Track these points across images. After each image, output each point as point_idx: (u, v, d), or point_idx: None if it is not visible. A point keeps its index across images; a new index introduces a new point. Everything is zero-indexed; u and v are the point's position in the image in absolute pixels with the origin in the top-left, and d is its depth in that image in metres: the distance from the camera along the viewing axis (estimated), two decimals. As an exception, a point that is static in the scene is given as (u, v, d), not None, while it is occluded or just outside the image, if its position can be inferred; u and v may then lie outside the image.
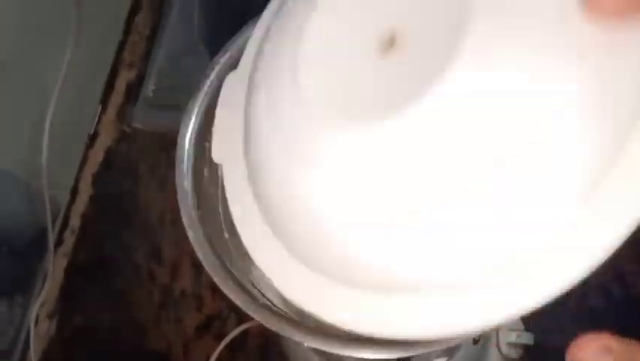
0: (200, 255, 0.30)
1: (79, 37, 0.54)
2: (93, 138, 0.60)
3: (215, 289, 0.55)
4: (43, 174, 0.53)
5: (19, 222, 0.54)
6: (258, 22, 0.26)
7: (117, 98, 0.62)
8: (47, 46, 0.53)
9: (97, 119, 0.61)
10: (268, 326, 0.27)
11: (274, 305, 0.30)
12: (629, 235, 0.14)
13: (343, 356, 0.38)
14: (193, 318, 0.54)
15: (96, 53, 0.60)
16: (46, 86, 0.53)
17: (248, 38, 0.26)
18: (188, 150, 0.32)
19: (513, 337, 0.41)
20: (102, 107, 0.61)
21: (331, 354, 0.39)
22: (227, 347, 0.52)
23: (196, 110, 0.32)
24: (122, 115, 0.61)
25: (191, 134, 0.32)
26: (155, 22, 0.64)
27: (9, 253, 0.52)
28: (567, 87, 0.15)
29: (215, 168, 0.32)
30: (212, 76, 0.32)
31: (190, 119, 0.32)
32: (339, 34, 0.19)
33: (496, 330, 0.41)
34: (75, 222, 0.58)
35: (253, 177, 0.23)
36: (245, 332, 0.52)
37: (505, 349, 0.41)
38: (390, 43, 0.18)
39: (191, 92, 0.64)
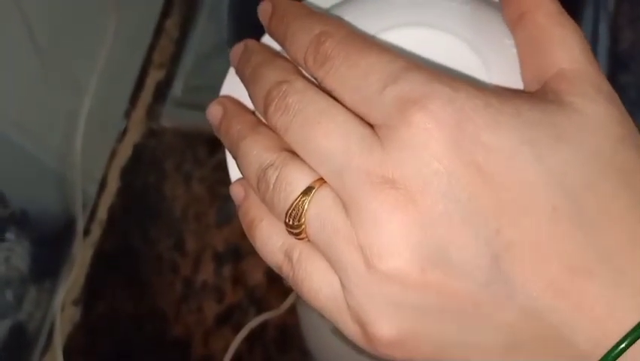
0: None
1: (116, 36, 0.56)
2: (122, 133, 0.63)
3: (235, 281, 0.57)
4: (76, 166, 0.55)
5: (50, 211, 0.57)
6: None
7: (146, 96, 0.64)
8: (85, 42, 0.56)
9: (127, 116, 0.63)
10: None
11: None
12: None
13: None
14: (213, 309, 0.56)
15: (130, 53, 0.63)
16: (82, 82, 0.56)
17: None
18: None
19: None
20: (132, 105, 0.64)
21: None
22: (246, 338, 0.54)
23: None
24: (150, 113, 0.63)
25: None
26: (185, 25, 0.67)
27: (40, 239, 0.55)
28: None
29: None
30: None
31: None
32: None
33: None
34: (102, 213, 0.60)
35: None
36: (264, 324, 0.54)
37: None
38: None
39: (217, 92, 0.67)
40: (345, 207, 0.17)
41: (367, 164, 0.17)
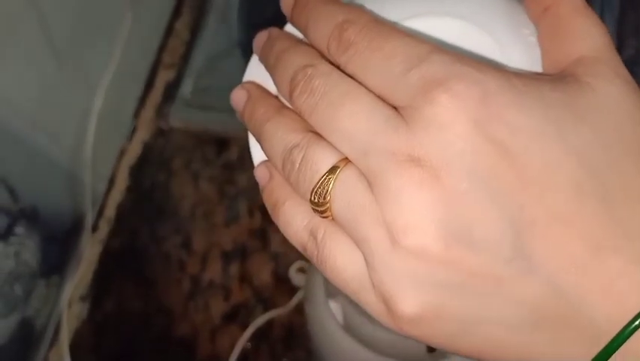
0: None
1: (130, 36, 0.57)
2: (132, 132, 0.63)
3: (242, 279, 0.57)
4: (86, 163, 0.56)
5: (60, 208, 0.57)
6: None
7: (156, 96, 0.65)
8: (99, 42, 0.56)
9: (136, 115, 0.64)
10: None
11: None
12: None
13: (374, 335, 0.40)
14: (220, 307, 0.56)
15: (141, 53, 0.64)
16: (95, 81, 0.56)
17: None
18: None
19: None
20: (141, 105, 0.64)
21: (362, 335, 0.41)
22: (252, 336, 0.54)
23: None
24: (159, 113, 0.64)
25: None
26: (195, 27, 0.67)
27: (49, 235, 0.55)
28: None
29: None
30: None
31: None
32: None
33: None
34: (111, 211, 0.61)
35: None
36: (270, 323, 0.55)
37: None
38: None
39: (226, 93, 0.67)
40: (370, 185, 0.18)
41: (393, 143, 0.17)
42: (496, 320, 0.17)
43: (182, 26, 0.67)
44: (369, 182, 0.18)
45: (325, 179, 0.19)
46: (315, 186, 0.19)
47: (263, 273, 0.57)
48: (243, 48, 0.65)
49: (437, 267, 0.17)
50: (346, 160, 0.19)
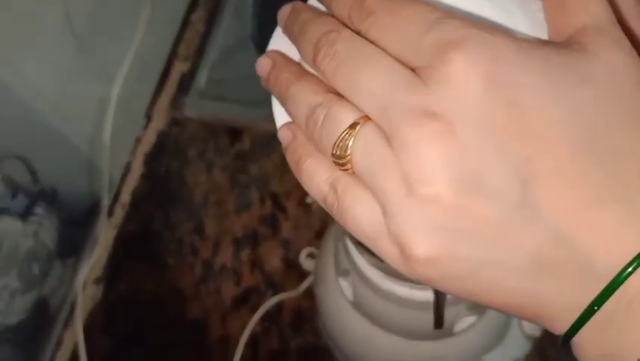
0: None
1: (148, 27, 0.59)
2: (147, 121, 0.65)
3: (253, 265, 0.59)
4: (104, 150, 0.58)
5: (78, 191, 0.59)
6: None
7: (171, 87, 0.66)
8: (119, 32, 0.58)
9: (152, 105, 0.65)
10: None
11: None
12: None
13: (383, 312, 0.42)
14: (231, 291, 0.58)
15: (158, 44, 0.65)
16: (114, 70, 0.58)
17: None
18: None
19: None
20: (157, 95, 0.66)
21: (371, 312, 0.42)
22: (262, 319, 0.56)
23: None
24: (174, 103, 0.66)
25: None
26: (210, 20, 0.69)
27: (67, 218, 0.57)
28: None
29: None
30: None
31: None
32: None
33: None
34: (126, 196, 0.62)
35: None
36: (279, 306, 0.56)
37: (527, 325, 0.44)
38: None
39: (240, 85, 0.69)
40: (389, 139, 0.19)
41: (411, 99, 0.19)
42: (502, 264, 0.19)
43: (197, 19, 0.69)
44: (388, 136, 0.19)
45: (346, 134, 0.20)
46: (337, 140, 0.20)
47: (273, 259, 0.59)
48: (256, 41, 0.67)
49: (449, 213, 0.18)
50: (366, 117, 0.20)
